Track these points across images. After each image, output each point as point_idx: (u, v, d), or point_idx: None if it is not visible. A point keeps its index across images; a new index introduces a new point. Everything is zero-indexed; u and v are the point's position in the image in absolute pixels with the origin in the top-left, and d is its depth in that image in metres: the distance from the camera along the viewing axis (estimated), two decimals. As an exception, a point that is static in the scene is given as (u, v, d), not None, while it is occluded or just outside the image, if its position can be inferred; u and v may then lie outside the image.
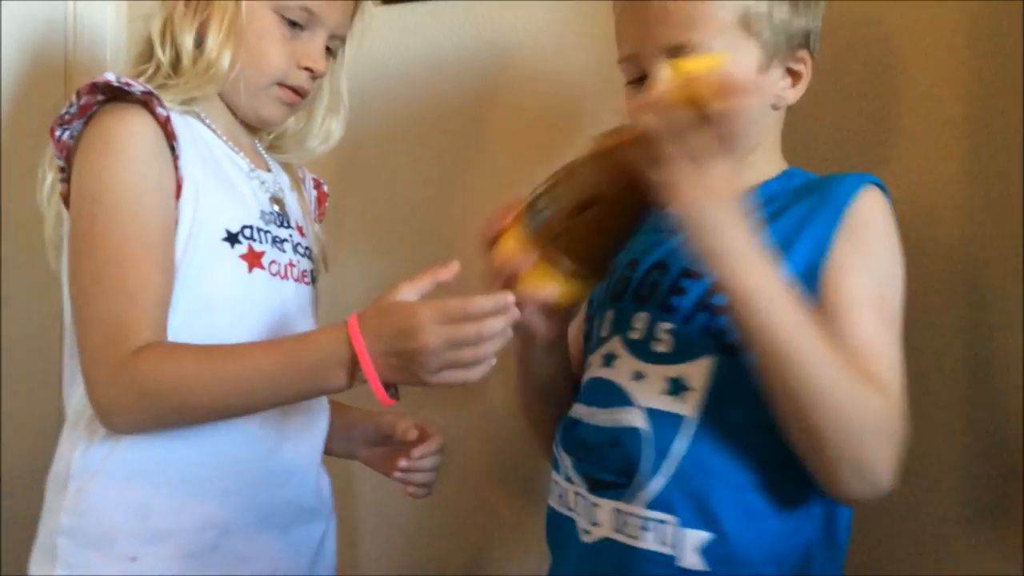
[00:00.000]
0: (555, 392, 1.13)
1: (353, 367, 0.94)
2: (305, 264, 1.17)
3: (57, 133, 1.05)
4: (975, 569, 1.22)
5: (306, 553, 1.14)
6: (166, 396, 0.97)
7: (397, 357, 0.92)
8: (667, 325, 0.99)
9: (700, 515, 0.93)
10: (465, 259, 1.48)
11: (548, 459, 1.12)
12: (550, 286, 0.97)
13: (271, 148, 1.24)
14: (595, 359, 1.05)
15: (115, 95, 1.03)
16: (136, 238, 0.99)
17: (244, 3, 1.08)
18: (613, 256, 1.00)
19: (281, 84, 1.11)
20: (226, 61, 1.07)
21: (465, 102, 1.53)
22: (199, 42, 1.08)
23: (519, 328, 0.97)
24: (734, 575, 0.93)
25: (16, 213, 1.48)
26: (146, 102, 1.03)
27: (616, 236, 0.98)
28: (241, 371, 0.97)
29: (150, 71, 1.10)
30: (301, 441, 1.12)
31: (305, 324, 1.14)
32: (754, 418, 0.92)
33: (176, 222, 1.03)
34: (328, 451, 1.20)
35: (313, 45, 1.12)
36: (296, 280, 1.14)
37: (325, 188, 1.33)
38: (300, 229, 1.18)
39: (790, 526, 0.94)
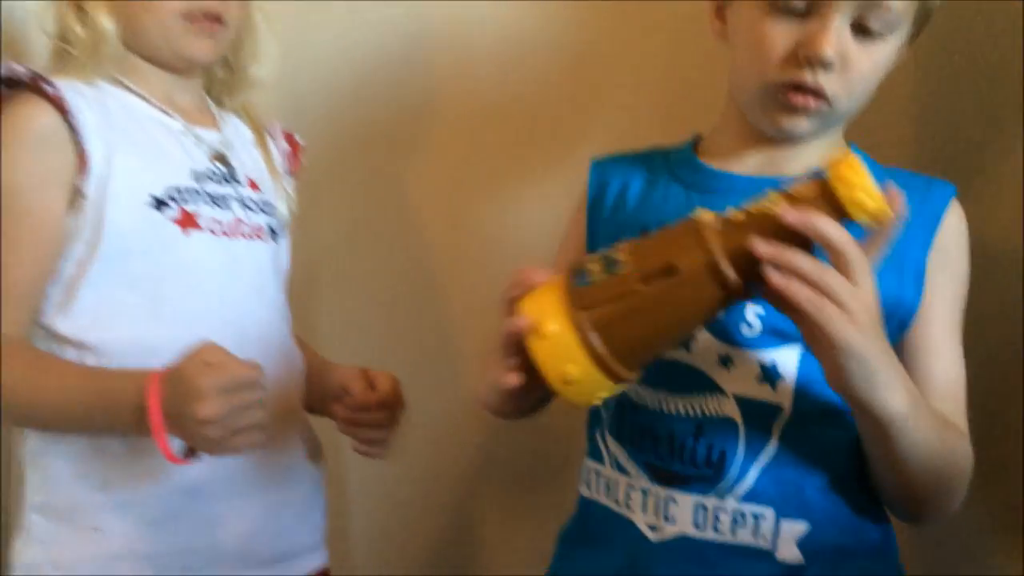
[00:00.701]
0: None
1: (146, 419, 0.91)
2: (260, 220, 1.13)
3: None
4: (975, 569, 1.23)
5: (290, 516, 1.12)
6: None
7: (184, 421, 0.89)
8: (757, 308, 0.91)
9: (796, 506, 0.89)
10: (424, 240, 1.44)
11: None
12: (566, 367, 0.77)
13: (230, 98, 1.20)
14: None
15: (10, 83, 1.01)
16: (2, 234, 0.98)
17: None
18: (655, 355, 0.83)
19: (189, 16, 1.06)
20: (105, 20, 1.05)
21: (419, 92, 1.49)
22: (82, 15, 1.05)
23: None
24: (828, 568, 0.89)
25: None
26: (35, 86, 1.00)
27: (671, 329, 0.80)
28: (56, 394, 0.96)
29: (66, 65, 1.07)
30: (276, 395, 1.06)
31: (270, 283, 1.13)
32: (837, 408, 0.89)
33: (83, 199, 1.00)
34: (308, 408, 1.18)
35: None
36: (248, 237, 1.10)
37: (299, 139, 1.28)
38: (253, 184, 1.14)
39: (872, 520, 0.93)
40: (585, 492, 1.01)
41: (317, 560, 1.17)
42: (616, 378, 0.78)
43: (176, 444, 0.92)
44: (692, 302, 0.77)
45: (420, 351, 1.51)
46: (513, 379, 0.81)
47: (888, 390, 0.78)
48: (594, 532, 0.99)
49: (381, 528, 1.56)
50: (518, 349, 0.79)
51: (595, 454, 1.00)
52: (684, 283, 0.76)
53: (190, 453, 0.92)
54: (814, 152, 0.95)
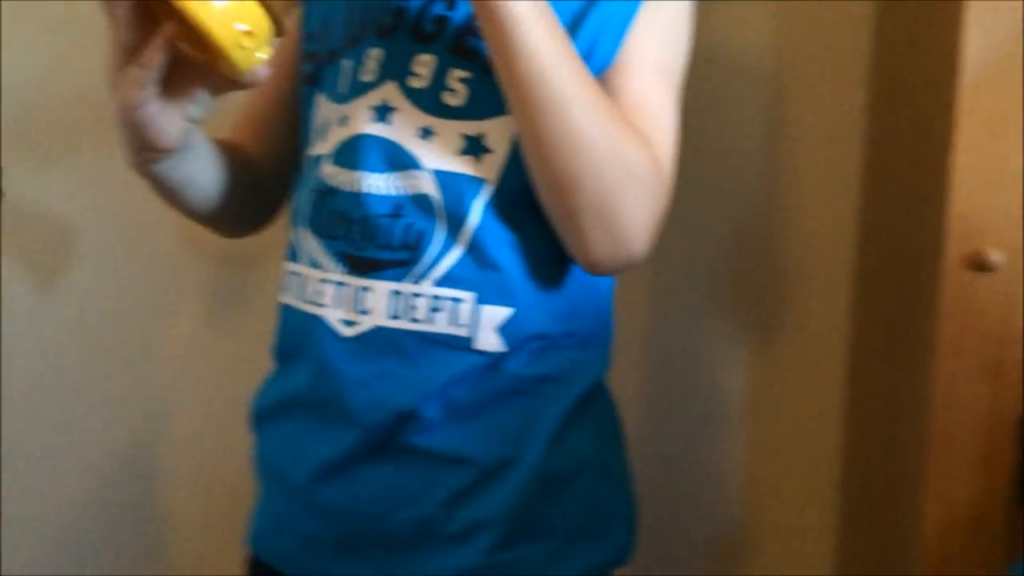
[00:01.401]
0: (215, 188, 0.89)
1: None
2: None
3: None
4: (707, 382, 1.27)
5: None
6: None
7: None
8: (462, 73, 0.82)
9: (498, 290, 0.81)
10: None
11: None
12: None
13: None
14: (356, 111, 0.84)
15: None
16: None
17: None
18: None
19: None
20: None
21: None
22: None
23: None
24: (532, 357, 0.83)
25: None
26: None
27: None
28: None
29: None
30: None
31: None
32: None
33: None
34: None
35: None
36: None
37: None
38: None
39: (582, 309, 0.87)
40: (282, 299, 0.91)
41: None
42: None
43: None
44: None
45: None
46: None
47: None
48: (290, 341, 0.90)
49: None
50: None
51: (291, 253, 0.90)
52: None
53: None
54: None
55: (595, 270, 0.81)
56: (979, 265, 0.90)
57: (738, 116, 1.23)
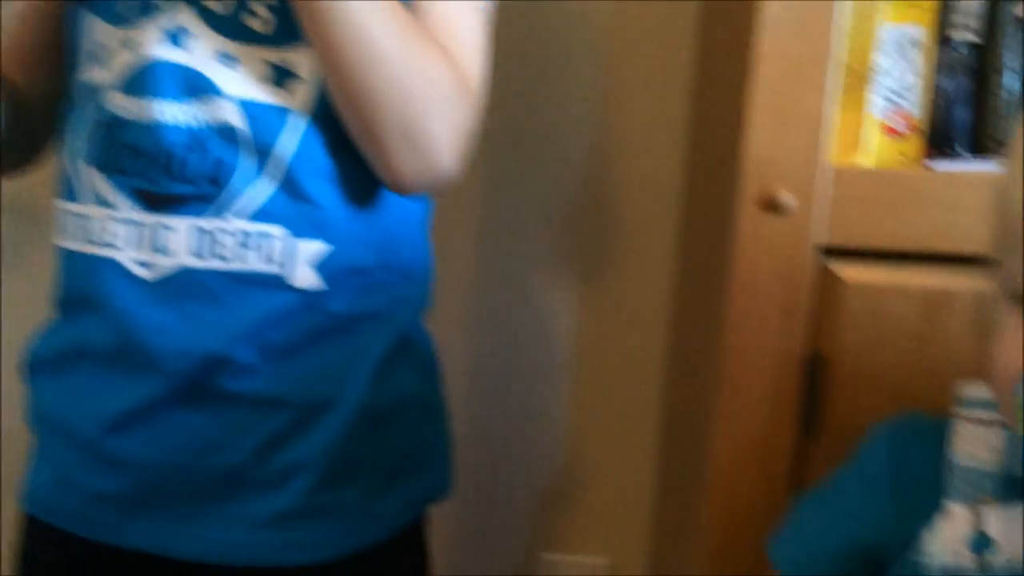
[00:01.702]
0: None
1: None
2: None
3: None
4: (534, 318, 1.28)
5: None
6: None
7: None
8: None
9: (312, 224, 0.77)
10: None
11: None
12: None
13: None
14: (144, 36, 0.77)
15: None
16: None
17: None
18: None
19: None
20: None
21: None
22: None
23: None
24: (352, 293, 0.80)
25: None
26: None
27: None
28: None
29: None
30: None
31: None
32: None
33: None
34: None
35: None
36: None
37: None
38: None
39: (399, 239, 0.85)
40: (61, 242, 0.83)
41: None
42: None
43: None
44: None
45: None
46: None
47: None
48: (75, 287, 0.82)
49: None
50: None
51: (68, 192, 0.82)
52: None
53: None
54: None
55: (403, 189, 0.79)
56: (771, 206, 0.93)
57: (568, 64, 1.23)
